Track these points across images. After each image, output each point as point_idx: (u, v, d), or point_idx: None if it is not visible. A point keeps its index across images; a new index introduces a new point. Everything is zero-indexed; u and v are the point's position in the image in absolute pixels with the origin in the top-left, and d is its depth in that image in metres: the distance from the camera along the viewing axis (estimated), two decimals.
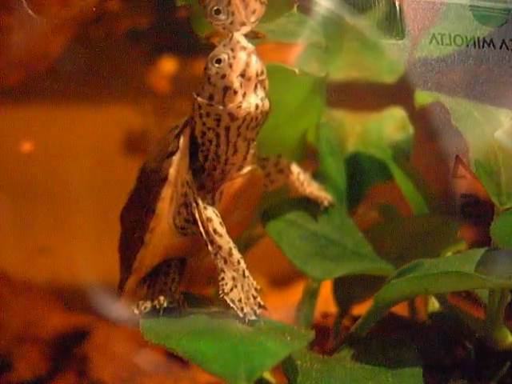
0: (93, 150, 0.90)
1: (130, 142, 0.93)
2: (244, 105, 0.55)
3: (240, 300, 0.55)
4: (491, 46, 0.63)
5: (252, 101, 0.55)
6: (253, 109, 0.55)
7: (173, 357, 0.54)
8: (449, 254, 0.65)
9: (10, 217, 0.88)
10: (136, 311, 0.57)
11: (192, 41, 0.67)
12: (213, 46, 0.56)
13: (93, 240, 0.86)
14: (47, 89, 0.85)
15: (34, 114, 0.88)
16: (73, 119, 0.89)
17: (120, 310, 0.64)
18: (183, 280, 0.62)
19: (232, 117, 0.55)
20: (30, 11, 0.66)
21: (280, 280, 0.87)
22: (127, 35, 0.89)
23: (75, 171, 0.88)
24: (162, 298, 0.58)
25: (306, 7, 0.63)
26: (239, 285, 0.55)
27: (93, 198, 0.87)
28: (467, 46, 0.63)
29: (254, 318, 0.54)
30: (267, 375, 0.64)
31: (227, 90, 0.54)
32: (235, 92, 0.54)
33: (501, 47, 0.63)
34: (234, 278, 0.55)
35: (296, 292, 0.73)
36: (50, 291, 0.89)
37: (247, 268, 0.56)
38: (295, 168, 0.65)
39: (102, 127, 0.91)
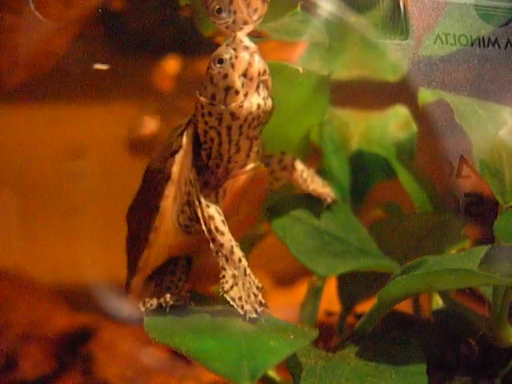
0: (97, 150, 0.90)
1: (135, 141, 0.93)
2: (246, 104, 0.55)
3: (240, 298, 0.54)
4: (496, 45, 0.63)
5: (254, 100, 0.55)
6: (254, 108, 0.55)
7: (177, 356, 0.54)
8: (453, 251, 0.65)
9: (14, 217, 0.88)
10: (142, 308, 0.58)
11: (196, 40, 0.67)
12: (217, 45, 0.57)
13: (99, 239, 0.87)
14: (52, 88, 0.85)
15: (39, 114, 0.89)
16: (77, 119, 0.89)
17: (126, 308, 0.64)
18: (190, 278, 0.62)
19: (234, 116, 0.55)
20: (36, 13, 0.66)
21: (284, 279, 0.88)
22: (131, 34, 0.89)
23: (80, 171, 0.88)
24: (168, 295, 0.58)
25: (309, 6, 0.63)
26: (240, 283, 0.55)
27: (97, 197, 0.87)
28: (472, 45, 0.63)
29: (254, 315, 0.54)
30: (271, 373, 0.64)
31: (229, 89, 0.54)
32: (237, 92, 0.54)
33: (506, 47, 0.63)
34: (234, 276, 0.55)
35: (300, 291, 0.73)
36: (55, 291, 0.89)
37: (250, 266, 0.56)
38: (299, 165, 0.65)
39: (106, 127, 0.91)
